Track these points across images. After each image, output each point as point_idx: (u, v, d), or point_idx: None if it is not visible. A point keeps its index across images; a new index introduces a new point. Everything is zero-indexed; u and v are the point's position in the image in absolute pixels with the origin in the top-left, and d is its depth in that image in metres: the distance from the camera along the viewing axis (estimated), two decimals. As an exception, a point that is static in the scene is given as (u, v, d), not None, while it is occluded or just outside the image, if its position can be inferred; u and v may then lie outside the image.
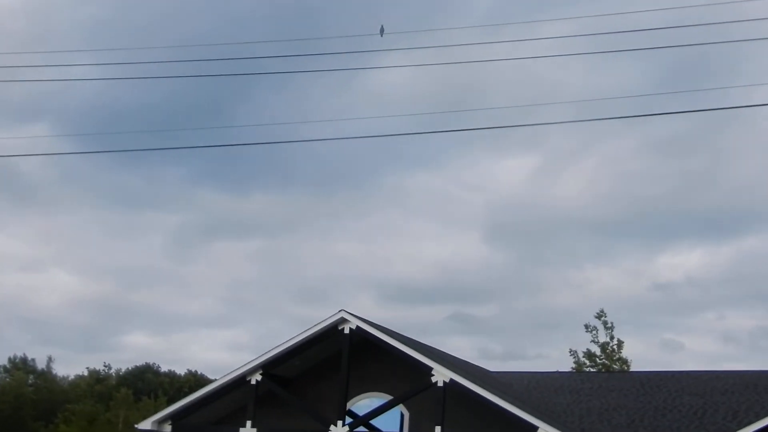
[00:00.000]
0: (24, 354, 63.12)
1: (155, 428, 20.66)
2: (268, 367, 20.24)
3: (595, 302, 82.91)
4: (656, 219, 70.21)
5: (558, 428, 17.46)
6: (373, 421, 20.19)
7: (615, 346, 36.46)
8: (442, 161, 75.97)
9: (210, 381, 31.58)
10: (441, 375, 18.39)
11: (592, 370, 35.92)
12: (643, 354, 67.35)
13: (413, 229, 78.56)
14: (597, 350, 36.75)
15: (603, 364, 36.30)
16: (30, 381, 59.22)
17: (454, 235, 78.95)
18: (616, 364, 36.05)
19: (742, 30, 14.95)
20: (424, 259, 77.57)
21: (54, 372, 63.85)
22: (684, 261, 70.93)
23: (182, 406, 20.79)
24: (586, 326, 37.12)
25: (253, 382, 20.11)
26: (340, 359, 19.60)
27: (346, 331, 19.55)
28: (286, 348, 19.99)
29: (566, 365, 38.00)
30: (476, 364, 27.51)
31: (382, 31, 17.17)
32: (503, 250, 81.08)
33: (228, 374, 20.45)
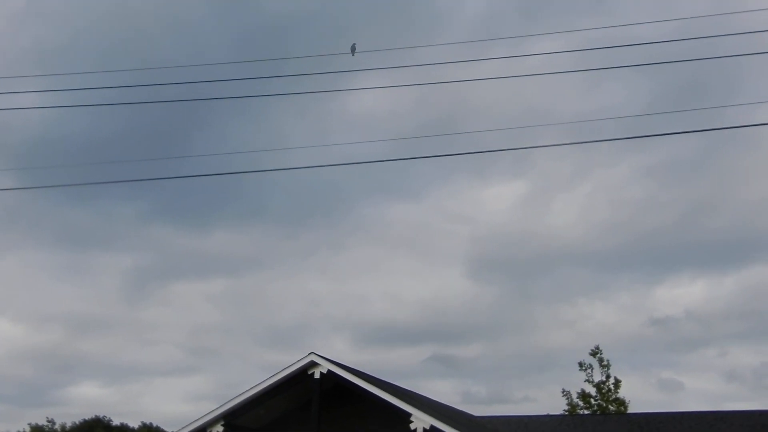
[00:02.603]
0: (-45, 411, 62.32)
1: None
2: (231, 417, 20.20)
3: (589, 340, 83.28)
4: (654, 249, 70.71)
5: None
6: (347, 474, 20.18)
7: (612, 386, 36.76)
8: (423, 190, 76.37)
9: (167, 434, 31.46)
10: (420, 421, 18.41)
11: (586, 412, 36.15)
12: (641, 394, 67.49)
13: (391, 265, 78.57)
14: (592, 390, 37.04)
15: (598, 405, 36.55)
16: (-37, 440, 58.24)
17: (436, 270, 78.99)
18: (612, 405, 36.31)
19: (744, 43, 15.25)
20: (403, 296, 77.53)
21: (-9, 429, 62.82)
22: (684, 294, 71.58)
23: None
24: (581, 364, 37.44)
25: (214, 434, 20.04)
26: (310, 407, 19.61)
27: (317, 375, 19.64)
28: (250, 396, 19.99)
29: (556, 408, 38.26)
30: (459, 408, 27.74)
31: (353, 49, 17.05)
32: (489, 285, 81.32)
33: (186, 426, 20.39)
